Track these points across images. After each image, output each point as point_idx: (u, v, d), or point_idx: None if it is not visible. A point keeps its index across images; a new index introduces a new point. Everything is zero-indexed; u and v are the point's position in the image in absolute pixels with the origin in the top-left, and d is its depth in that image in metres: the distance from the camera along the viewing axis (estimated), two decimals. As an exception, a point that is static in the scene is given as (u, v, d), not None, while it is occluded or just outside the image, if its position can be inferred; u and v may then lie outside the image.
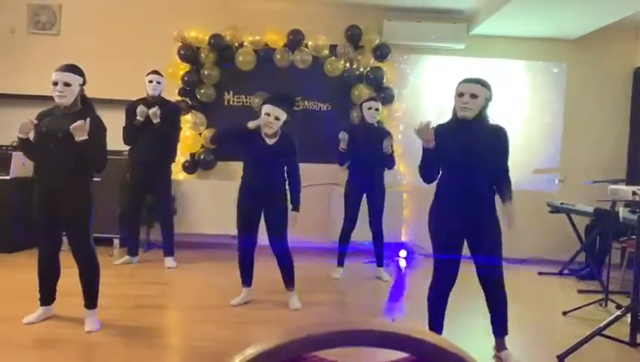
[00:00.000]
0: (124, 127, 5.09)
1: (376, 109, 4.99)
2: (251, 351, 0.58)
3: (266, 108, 3.86)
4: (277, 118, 3.85)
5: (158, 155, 5.15)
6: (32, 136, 3.29)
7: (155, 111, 5.00)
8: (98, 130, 3.33)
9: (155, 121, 4.99)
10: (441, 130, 3.10)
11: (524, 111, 6.46)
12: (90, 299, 3.39)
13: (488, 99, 3.10)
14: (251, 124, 3.90)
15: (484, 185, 3.09)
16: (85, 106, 3.39)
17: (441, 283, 3.14)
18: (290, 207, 4.04)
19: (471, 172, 3.04)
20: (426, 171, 3.18)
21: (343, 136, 4.96)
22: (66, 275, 3.48)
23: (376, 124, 5.11)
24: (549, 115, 6.53)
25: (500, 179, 3.15)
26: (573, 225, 5.71)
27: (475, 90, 3.03)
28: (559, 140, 6.51)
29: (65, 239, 3.48)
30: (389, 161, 5.02)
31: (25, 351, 3.01)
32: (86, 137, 3.18)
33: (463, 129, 3.06)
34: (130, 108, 5.13)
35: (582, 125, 6.48)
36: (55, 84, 3.24)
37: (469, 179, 3.05)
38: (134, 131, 5.04)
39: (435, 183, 3.24)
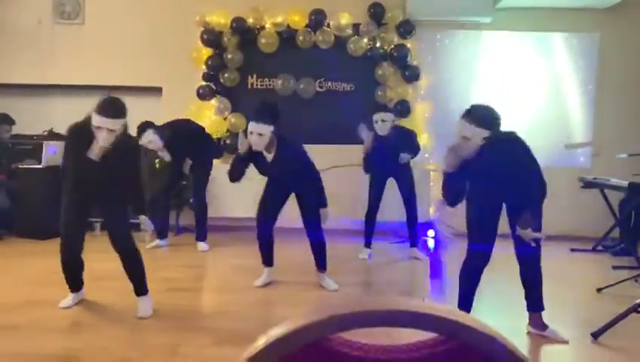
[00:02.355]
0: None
1: (383, 120, 4.79)
2: (275, 332, 0.57)
3: (249, 126, 3.74)
4: (260, 135, 3.68)
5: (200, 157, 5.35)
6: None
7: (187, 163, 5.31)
8: (135, 160, 3.41)
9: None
10: None
11: (555, 85, 6.28)
12: (140, 286, 3.43)
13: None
14: (241, 149, 3.81)
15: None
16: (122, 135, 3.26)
17: (476, 260, 3.11)
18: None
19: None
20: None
21: (367, 134, 4.82)
22: (101, 260, 3.56)
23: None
24: (581, 88, 6.33)
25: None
26: (607, 200, 5.58)
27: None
28: (592, 114, 6.32)
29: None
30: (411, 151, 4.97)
31: (60, 334, 3.09)
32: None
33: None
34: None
35: (616, 97, 6.28)
36: (98, 128, 3.09)
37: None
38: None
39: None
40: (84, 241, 3.43)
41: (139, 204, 3.52)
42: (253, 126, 3.71)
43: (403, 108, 6.23)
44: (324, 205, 4.02)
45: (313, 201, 3.99)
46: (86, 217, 3.45)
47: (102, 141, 3.13)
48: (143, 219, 3.52)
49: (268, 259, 4.16)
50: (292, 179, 3.92)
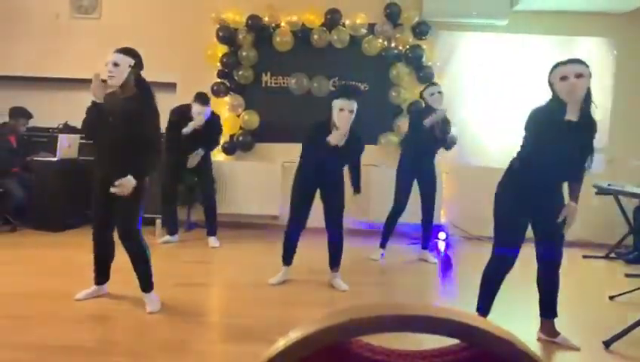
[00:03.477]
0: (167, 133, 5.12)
1: (439, 92, 4.84)
2: (295, 335, 0.57)
3: (341, 103, 3.72)
4: (351, 111, 3.72)
5: (200, 146, 5.29)
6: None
7: (198, 153, 5.23)
8: (150, 116, 3.35)
9: (194, 163, 5.26)
10: (544, 115, 2.93)
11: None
12: (145, 283, 3.46)
13: (590, 77, 2.89)
14: (333, 139, 3.70)
15: (566, 175, 3.03)
16: (142, 90, 3.38)
17: (501, 266, 3.07)
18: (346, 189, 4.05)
19: (562, 163, 2.92)
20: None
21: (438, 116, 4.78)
22: (119, 253, 3.57)
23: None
24: (597, 93, 6.22)
25: (576, 174, 3.02)
26: (621, 207, 5.51)
27: (579, 69, 2.83)
28: (607, 120, 6.24)
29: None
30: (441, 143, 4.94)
31: (73, 327, 3.12)
32: (126, 193, 3.21)
33: (570, 123, 2.79)
34: (177, 114, 5.18)
35: (631, 103, 6.20)
36: (106, 65, 3.29)
37: (557, 169, 2.95)
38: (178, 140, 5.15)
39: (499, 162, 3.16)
40: (113, 229, 3.48)
41: (142, 165, 3.32)
42: (346, 103, 3.69)
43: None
44: (359, 190, 4.13)
45: (339, 200, 4.01)
46: (112, 200, 3.37)
47: (108, 77, 3.26)
48: (126, 180, 3.21)
49: (289, 258, 4.16)
50: (343, 165, 3.95)
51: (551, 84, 2.96)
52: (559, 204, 3.04)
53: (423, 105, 5.08)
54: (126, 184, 3.20)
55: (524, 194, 3.00)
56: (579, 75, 2.82)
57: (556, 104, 2.90)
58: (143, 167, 3.32)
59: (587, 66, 2.87)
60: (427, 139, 4.84)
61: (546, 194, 3.01)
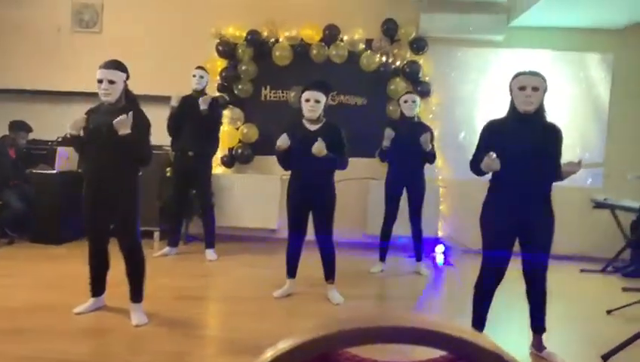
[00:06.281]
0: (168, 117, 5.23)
1: (413, 101, 4.95)
2: (284, 345, 0.58)
3: (305, 94, 3.91)
4: (317, 101, 3.88)
5: (200, 147, 5.25)
6: (82, 133, 3.33)
7: (206, 98, 5.21)
8: (142, 124, 3.36)
9: (202, 108, 5.16)
10: (496, 126, 3.08)
11: (567, 105, 6.25)
12: (137, 293, 3.45)
13: (545, 91, 3.03)
14: (281, 144, 3.89)
15: (543, 181, 3.04)
16: (130, 102, 3.41)
17: (490, 280, 3.08)
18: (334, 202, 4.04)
19: (530, 167, 2.97)
20: (479, 167, 3.08)
21: (389, 134, 4.85)
22: (115, 266, 3.57)
23: (415, 119, 5.05)
24: (594, 108, 6.30)
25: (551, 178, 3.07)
26: (618, 221, 5.53)
27: (536, 82, 2.97)
28: (604, 134, 6.28)
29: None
30: (429, 157, 4.93)
31: (70, 340, 3.11)
32: (129, 131, 3.21)
33: (524, 123, 3.01)
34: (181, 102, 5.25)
35: (628, 118, 6.24)
36: (100, 81, 3.28)
37: (528, 174, 2.97)
38: (174, 120, 5.20)
39: (485, 177, 3.16)
40: (108, 239, 3.48)
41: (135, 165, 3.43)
42: (310, 93, 3.90)
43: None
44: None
45: (327, 211, 4.01)
46: (105, 214, 3.42)
47: (104, 94, 3.28)
48: (123, 117, 3.24)
49: (292, 271, 4.16)
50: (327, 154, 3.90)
51: (510, 91, 3.08)
52: (547, 219, 3.04)
53: (399, 113, 5.13)
54: (124, 120, 3.20)
55: (506, 208, 3.02)
56: (535, 88, 2.97)
57: (511, 112, 3.08)
58: (137, 165, 3.44)
59: (544, 80, 3.01)
60: (408, 149, 4.87)
61: (528, 204, 3.01)
